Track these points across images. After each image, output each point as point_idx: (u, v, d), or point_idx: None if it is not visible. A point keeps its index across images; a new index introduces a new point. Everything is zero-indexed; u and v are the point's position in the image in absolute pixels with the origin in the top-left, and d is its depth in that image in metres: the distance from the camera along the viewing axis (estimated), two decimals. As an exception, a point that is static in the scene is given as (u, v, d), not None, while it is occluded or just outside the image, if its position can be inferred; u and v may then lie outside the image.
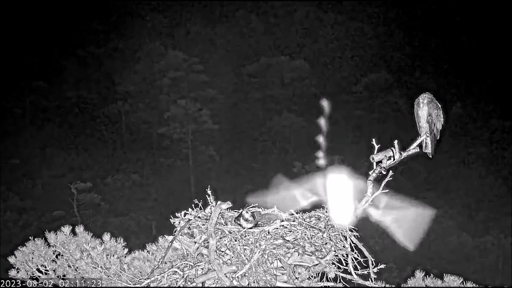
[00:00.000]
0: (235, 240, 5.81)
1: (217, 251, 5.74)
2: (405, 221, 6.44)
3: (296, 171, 39.01)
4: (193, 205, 6.20)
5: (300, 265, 5.79)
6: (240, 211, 6.03)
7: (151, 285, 5.81)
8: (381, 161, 6.34)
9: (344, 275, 5.79)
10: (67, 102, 46.61)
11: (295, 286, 5.62)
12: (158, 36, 50.28)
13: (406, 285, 6.08)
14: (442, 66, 47.48)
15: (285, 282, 5.67)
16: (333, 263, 5.82)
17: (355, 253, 5.87)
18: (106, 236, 6.47)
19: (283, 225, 5.95)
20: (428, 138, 6.68)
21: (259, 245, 5.76)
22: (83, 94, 47.15)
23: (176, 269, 5.82)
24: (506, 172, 40.71)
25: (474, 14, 48.27)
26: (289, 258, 5.73)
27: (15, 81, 45.98)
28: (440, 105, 6.69)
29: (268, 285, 5.59)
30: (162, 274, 5.83)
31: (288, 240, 5.83)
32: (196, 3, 52.84)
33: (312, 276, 5.82)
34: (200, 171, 43.10)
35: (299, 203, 6.44)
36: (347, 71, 50.47)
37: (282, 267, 5.71)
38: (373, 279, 5.79)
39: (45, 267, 6.25)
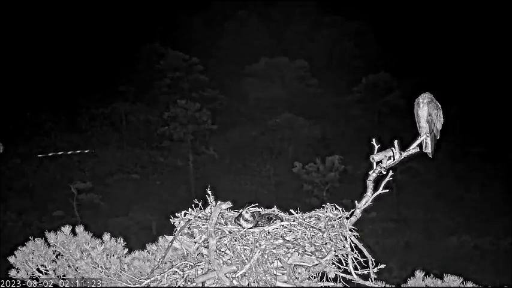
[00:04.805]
0: (235, 240, 5.80)
1: (217, 251, 5.74)
2: None
3: (296, 171, 38.98)
4: (193, 205, 6.20)
5: (300, 265, 5.78)
6: (240, 211, 6.02)
7: (151, 285, 5.80)
8: (381, 161, 6.34)
9: (344, 275, 5.78)
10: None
11: (295, 286, 5.61)
12: (158, 36, 50.27)
13: (406, 285, 6.07)
14: (442, 66, 47.43)
15: (285, 282, 5.66)
16: (333, 263, 5.81)
17: (355, 253, 5.86)
18: (106, 236, 6.46)
19: (283, 225, 5.95)
20: (428, 138, 6.68)
21: (259, 245, 5.75)
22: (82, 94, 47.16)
23: (176, 269, 5.81)
24: (506, 171, 40.66)
25: (473, 14, 48.24)
26: (289, 258, 5.73)
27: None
28: (440, 105, 6.69)
29: (268, 285, 5.58)
30: (162, 274, 5.82)
31: (288, 240, 5.82)
32: (197, 3, 52.83)
33: (312, 276, 5.82)
34: (200, 171, 43.08)
35: None
36: (347, 71, 50.44)
37: (282, 267, 5.71)
38: (373, 279, 5.78)
39: (45, 267, 6.25)
